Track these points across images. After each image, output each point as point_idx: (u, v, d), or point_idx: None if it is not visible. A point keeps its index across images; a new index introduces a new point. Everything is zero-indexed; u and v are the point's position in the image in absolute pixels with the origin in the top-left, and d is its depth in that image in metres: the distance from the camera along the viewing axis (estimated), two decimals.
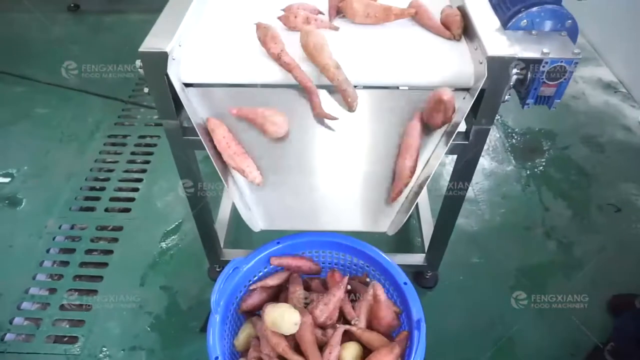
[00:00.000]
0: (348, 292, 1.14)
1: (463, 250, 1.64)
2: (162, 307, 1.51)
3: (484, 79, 0.92)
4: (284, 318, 0.99)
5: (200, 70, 1.01)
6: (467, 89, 1.00)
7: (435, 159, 1.01)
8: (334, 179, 1.06)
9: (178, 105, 1.01)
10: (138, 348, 1.42)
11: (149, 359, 1.40)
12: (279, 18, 1.06)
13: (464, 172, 1.15)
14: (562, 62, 0.94)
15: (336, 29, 1.04)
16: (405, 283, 1.13)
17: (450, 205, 1.27)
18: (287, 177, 1.06)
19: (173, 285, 1.56)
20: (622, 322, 1.29)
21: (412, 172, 0.98)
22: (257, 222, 1.03)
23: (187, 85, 1.02)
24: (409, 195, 1.04)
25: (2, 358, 1.39)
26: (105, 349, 1.42)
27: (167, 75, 0.94)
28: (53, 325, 1.49)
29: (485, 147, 2.00)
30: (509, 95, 0.99)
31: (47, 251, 1.68)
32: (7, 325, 1.48)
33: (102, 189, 1.90)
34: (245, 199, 1.04)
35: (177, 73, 0.98)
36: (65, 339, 1.46)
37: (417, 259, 1.51)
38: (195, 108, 1.03)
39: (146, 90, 1.01)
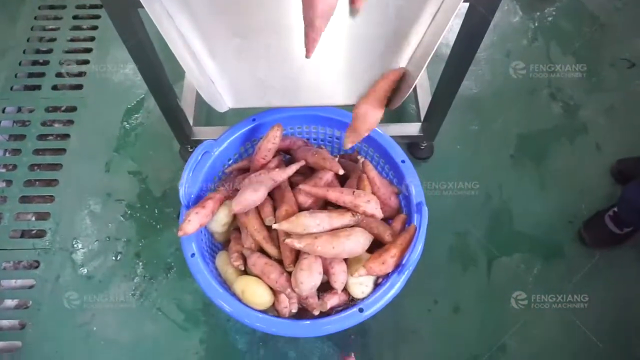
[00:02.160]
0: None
1: (461, 116, 1.47)
2: (133, 194, 1.37)
3: None
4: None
5: None
6: None
7: (448, 11, 0.77)
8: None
9: None
10: (113, 238, 1.31)
11: (126, 249, 1.29)
12: None
13: (477, 27, 0.92)
14: None
15: None
16: (403, 161, 1.00)
17: (454, 70, 1.06)
18: (259, 41, 0.82)
19: (142, 169, 1.41)
20: (630, 192, 1.19)
21: None
22: (222, 100, 0.82)
23: None
24: (413, 58, 0.82)
25: None
26: (77, 241, 1.31)
27: None
28: (16, 220, 1.35)
29: None
30: None
31: None
32: None
33: (46, 62, 1.62)
34: (207, 71, 0.81)
35: None
36: (33, 232, 1.34)
37: (412, 129, 1.35)
38: None
39: None
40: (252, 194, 0.87)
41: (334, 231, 0.86)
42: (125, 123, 1.49)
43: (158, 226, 1.32)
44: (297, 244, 0.83)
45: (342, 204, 0.90)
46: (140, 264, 1.27)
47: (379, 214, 0.89)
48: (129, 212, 1.34)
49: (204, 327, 1.18)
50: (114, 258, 1.28)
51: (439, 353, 1.16)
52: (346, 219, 0.88)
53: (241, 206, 0.86)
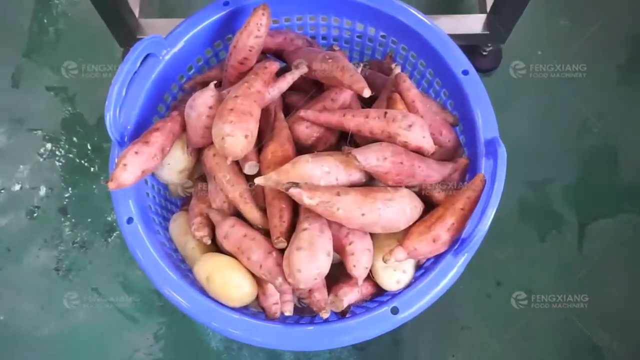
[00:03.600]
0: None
1: (543, 6, 1.29)
2: (55, 121, 1.24)
3: None
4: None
5: None
6: None
7: None
8: None
9: None
10: (26, 187, 1.19)
11: (47, 203, 1.18)
12: None
13: None
14: None
15: None
16: (465, 72, 0.82)
17: None
18: None
19: (68, 84, 1.26)
20: None
21: None
22: None
23: None
24: None
25: None
26: None
27: None
28: None
29: None
30: None
31: None
32: None
33: None
34: None
35: None
36: None
37: (472, 24, 1.17)
38: None
39: None
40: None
41: (368, 189, 0.71)
42: (41, 14, 1.33)
43: (92, 169, 1.21)
44: (308, 199, 0.67)
45: (369, 134, 0.75)
46: (68, 224, 1.16)
47: (430, 145, 0.73)
48: (49, 147, 1.22)
49: (161, 317, 1.09)
50: (28, 216, 1.17)
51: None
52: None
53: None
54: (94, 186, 1.18)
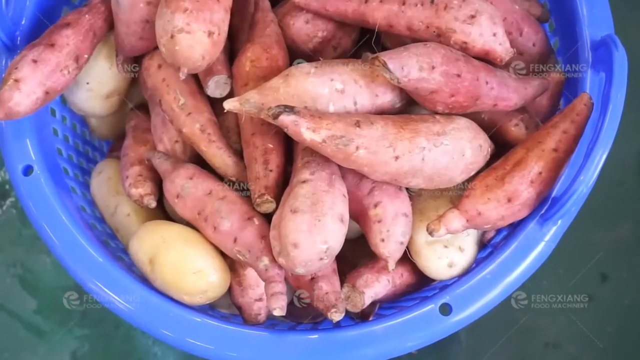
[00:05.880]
0: None
1: None
2: None
3: None
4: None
5: None
6: None
7: None
8: None
9: None
10: None
11: None
12: None
13: None
14: None
15: None
16: None
17: None
18: None
19: None
20: None
21: None
22: None
23: None
24: None
25: None
26: None
27: None
28: None
29: None
30: None
31: None
32: None
33: None
34: None
35: None
36: None
37: None
38: None
39: None
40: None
41: (405, 118, 0.70)
42: None
43: None
44: (310, 132, 0.65)
45: (407, 31, 0.75)
46: None
47: (504, 48, 0.73)
48: None
49: (82, 328, 1.10)
50: None
51: None
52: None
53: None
54: None
